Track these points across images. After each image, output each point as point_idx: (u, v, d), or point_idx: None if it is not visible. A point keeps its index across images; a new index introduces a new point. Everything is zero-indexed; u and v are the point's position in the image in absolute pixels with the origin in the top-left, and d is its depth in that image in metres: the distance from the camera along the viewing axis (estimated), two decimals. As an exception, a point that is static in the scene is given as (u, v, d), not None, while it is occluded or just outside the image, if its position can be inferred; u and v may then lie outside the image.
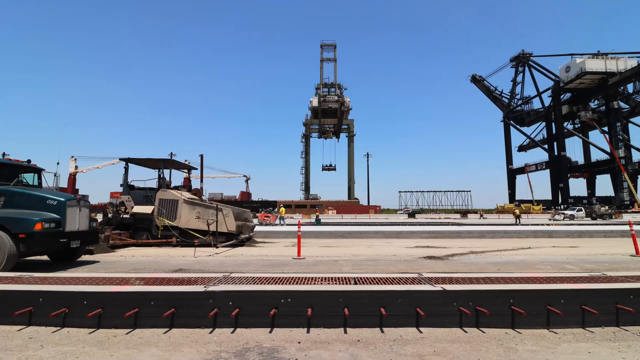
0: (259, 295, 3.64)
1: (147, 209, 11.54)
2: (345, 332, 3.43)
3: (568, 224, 21.84)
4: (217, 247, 10.82)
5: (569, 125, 66.69)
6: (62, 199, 7.13)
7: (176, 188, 12.77)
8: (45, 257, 8.38)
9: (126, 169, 12.35)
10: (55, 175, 11.65)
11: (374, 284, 4.11)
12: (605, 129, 61.03)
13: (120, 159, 12.40)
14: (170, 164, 13.18)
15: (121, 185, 12.32)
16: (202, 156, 14.48)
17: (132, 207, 11.71)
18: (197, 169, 14.25)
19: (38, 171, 8.82)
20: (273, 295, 3.64)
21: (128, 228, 11.65)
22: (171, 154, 68.60)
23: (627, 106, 61.68)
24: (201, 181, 15.12)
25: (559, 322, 3.55)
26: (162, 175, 12.58)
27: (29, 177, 8.60)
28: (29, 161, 8.51)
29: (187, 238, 11.13)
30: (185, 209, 11.41)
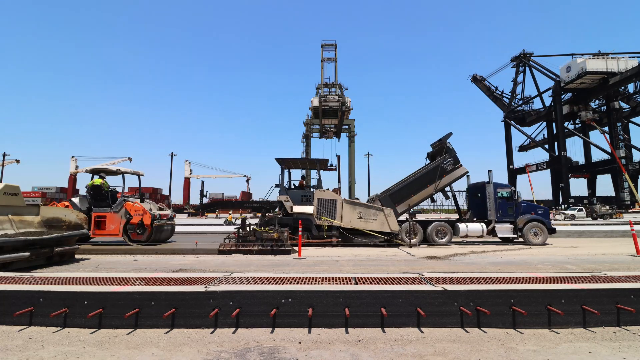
0: (259, 295, 3.63)
1: (308, 209, 11.72)
2: (347, 332, 3.42)
3: (569, 224, 21.81)
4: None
5: (569, 125, 66.50)
6: None
7: (315, 187, 12.85)
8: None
9: (283, 169, 12.56)
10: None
11: (375, 284, 4.10)
12: (606, 129, 60.90)
13: (277, 159, 12.52)
14: (322, 164, 13.33)
15: (277, 186, 12.49)
16: (338, 157, 14.85)
17: (292, 208, 11.84)
18: (335, 168, 14.46)
19: None
20: (274, 295, 3.64)
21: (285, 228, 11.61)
22: (172, 154, 68.74)
23: (628, 106, 61.53)
24: (339, 181, 15.43)
25: (559, 322, 3.55)
26: (324, 176, 12.97)
27: None
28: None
29: (346, 238, 11.44)
30: (346, 208, 11.68)
